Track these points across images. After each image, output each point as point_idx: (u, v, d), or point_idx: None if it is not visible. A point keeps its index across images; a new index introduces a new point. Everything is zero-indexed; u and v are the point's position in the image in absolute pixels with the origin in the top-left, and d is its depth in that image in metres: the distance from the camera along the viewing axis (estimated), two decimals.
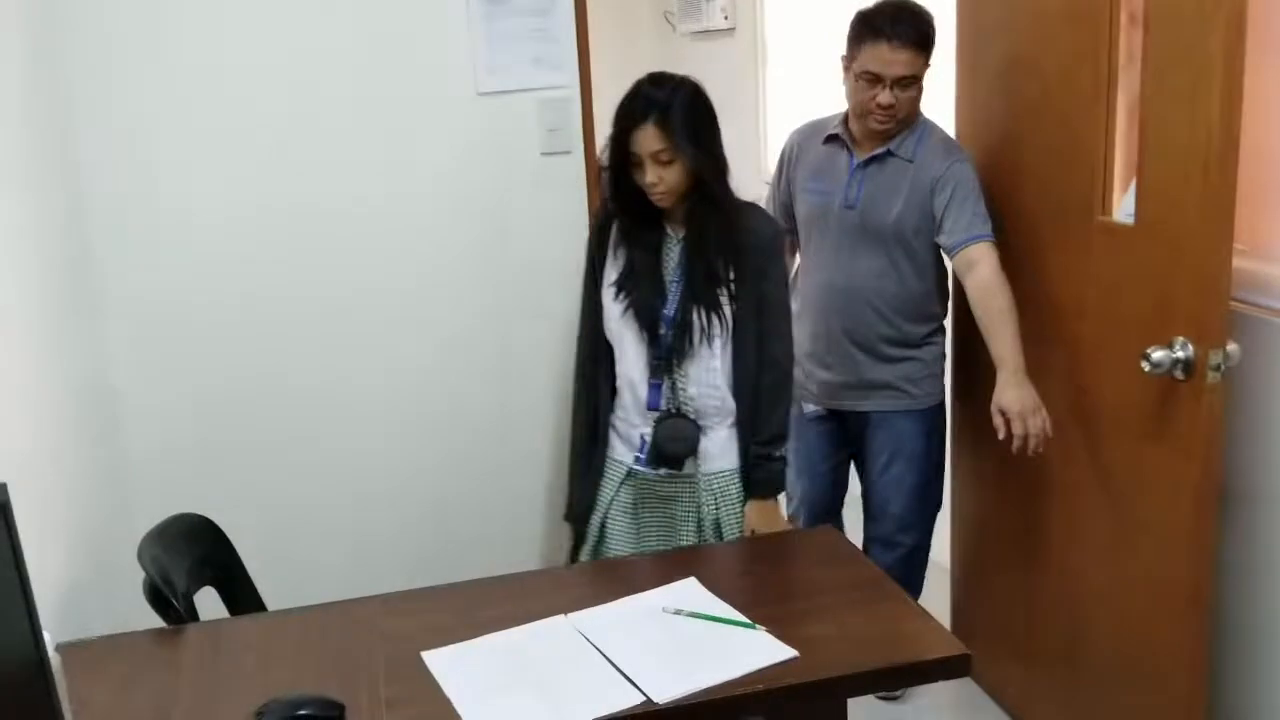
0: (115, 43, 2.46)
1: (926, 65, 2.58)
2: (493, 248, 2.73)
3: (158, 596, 2.01)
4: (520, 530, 2.86)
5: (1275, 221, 2.25)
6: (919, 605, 1.87)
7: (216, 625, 1.89)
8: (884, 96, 2.55)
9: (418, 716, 1.62)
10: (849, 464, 3.00)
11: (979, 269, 2.52)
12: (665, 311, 2.30)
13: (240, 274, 2.61)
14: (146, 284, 2.57)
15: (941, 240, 2.61)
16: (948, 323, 2.85)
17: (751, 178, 5.11)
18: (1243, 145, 2.08)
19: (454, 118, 2.65)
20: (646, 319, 2.30)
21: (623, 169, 2.28)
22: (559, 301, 2.75)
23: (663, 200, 2.28)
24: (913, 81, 2.57)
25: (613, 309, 2.35)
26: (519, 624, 1.85)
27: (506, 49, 2.63)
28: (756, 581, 1.99)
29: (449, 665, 1.74)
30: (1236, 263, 2.10)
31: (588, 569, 2.15)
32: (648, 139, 2.22)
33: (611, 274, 2.37)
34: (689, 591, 1.94)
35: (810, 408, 2.89)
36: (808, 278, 2.81)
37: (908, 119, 2.63)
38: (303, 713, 1.60)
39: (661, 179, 2.24)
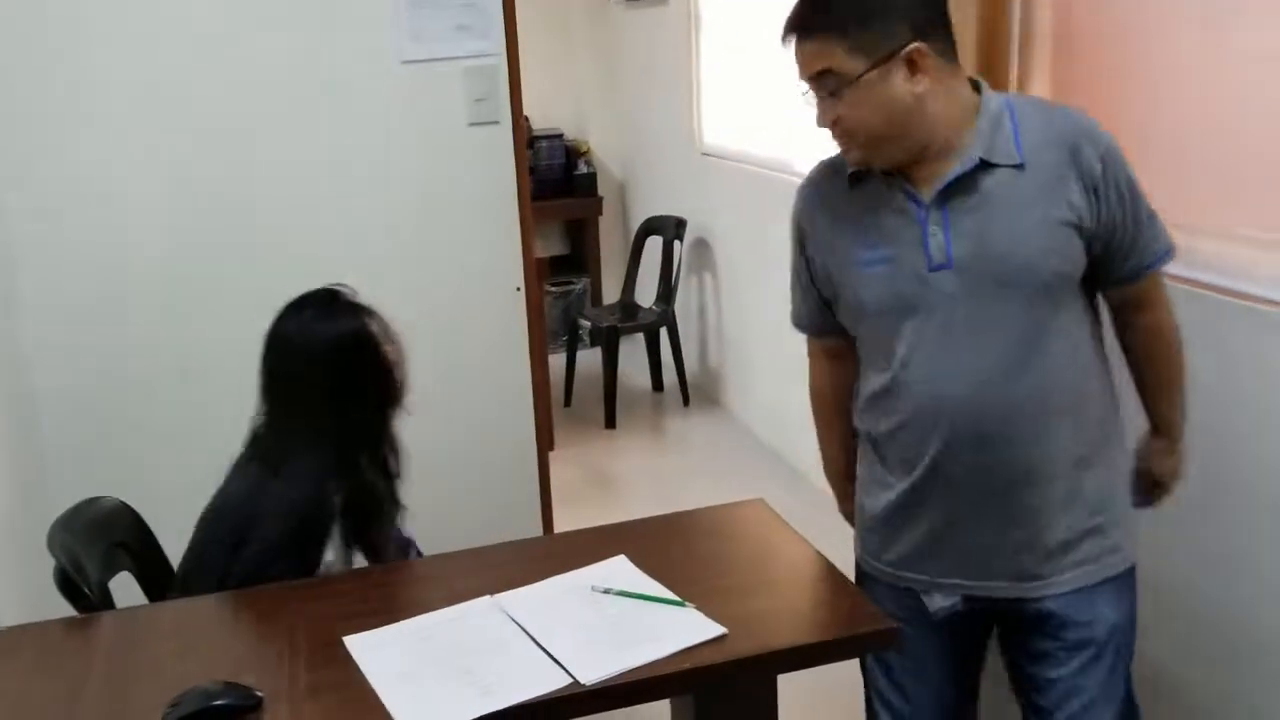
0: (32, 10, 2.37)
1: (866, 46, 1.58)
2: (419, 220, 2.68)
3: (68, 584, 1.94)
4: (444, 511, 2.81)
5: (1197, 192, 2.28)
6: (850, 581, 1.87)
7: (130, 613, 1.83)
8: (819, 112, 1.66)
9: (339, 703, 1.58)
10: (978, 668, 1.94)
11: (1159, 305, 1.78)
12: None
13: (158, 249, 2.53)
14: (61, 261, 2.49)
15: (1118, 269, 1.72)
16: None
17: (684, 151, 5.11)
18: (1141, 121, 2.12)
19: (377, 87, 2.59)
20: None
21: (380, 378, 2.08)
22: (486, 274, 2.71)
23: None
24: (841, 81, 1.60)
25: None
26: (443, 606, 1.81)
27: (430, 15, 2.57)
28: (686, 557, 1.96)
29: (371, 650, 1.70)
30: None
31: (515, 548, 2.11)
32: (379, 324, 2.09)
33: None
34: (618, 569, 1.91)
35: (939, 601, 1.79)
36: (900, 398, 1.74)
37: (890, 137, 1.64)
38: (219, 703, 1.55)
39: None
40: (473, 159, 2.67)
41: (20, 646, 1.75)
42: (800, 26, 1.63)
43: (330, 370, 1.99)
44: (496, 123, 2.66)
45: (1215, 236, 2.21)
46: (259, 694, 1.57)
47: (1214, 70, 2.18)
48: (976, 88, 1.72)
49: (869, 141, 1.66)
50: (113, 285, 2.53)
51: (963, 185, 1.65)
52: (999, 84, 2.34)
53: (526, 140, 2.76)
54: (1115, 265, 1.72)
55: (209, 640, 1.77)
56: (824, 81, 1.62)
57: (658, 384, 5.26)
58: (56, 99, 2.42)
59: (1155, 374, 1.80)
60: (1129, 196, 1.68)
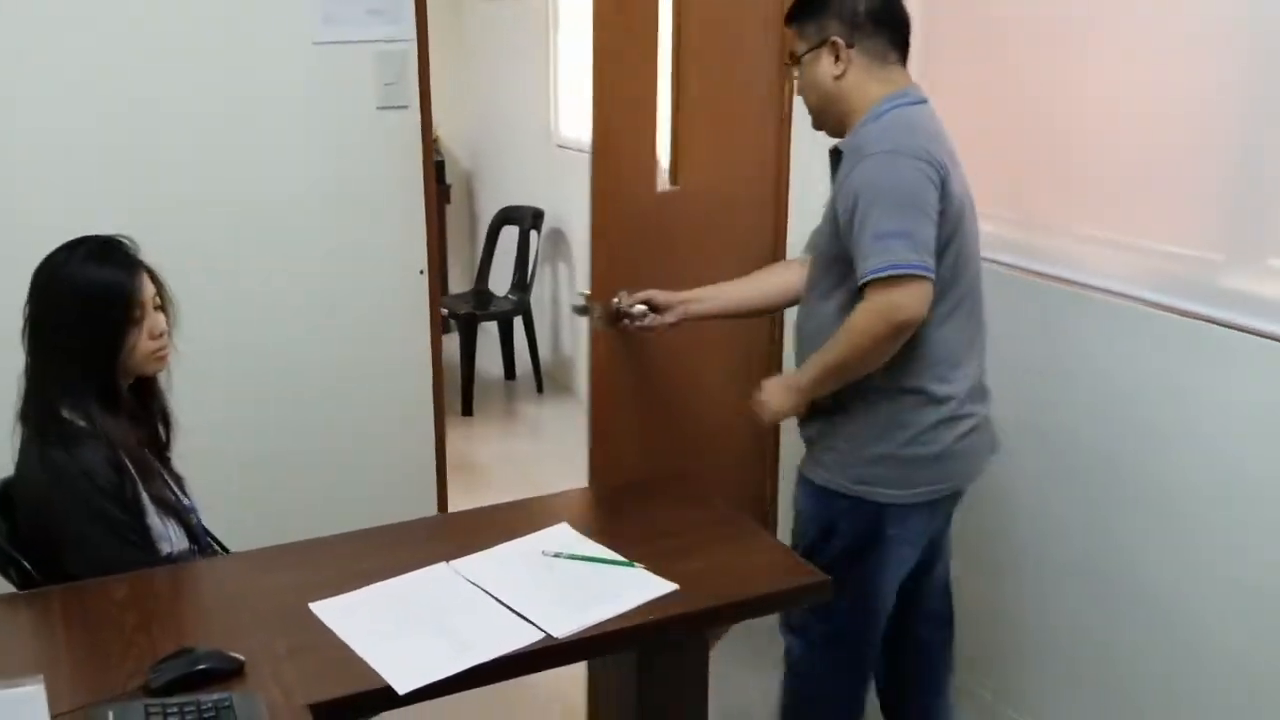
0: None
1: (803, 38, 2.07)
2: (326, 201, 2.69)
3: (3, 555, 1.91)
4: (373, 486, 2.85)
5: (1042, 195, 2.58)
6: (778, 540, 2.03)
7: (79, 587, 1.80)
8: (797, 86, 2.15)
9: (322, 663, 1.63)
10: None
11: (856, 310, 1.95)
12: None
13: (59, 227, 2.44)
14: None
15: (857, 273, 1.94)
16: None
17: (540, 143, 5.20)
18: (1030, 134, 2.43)
19: (288, 66, 2.58)
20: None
21: (118, 334, 1.91)
22: (392, 256, 2.75)
23: (165, 358, 2.00)
24: (795, 59, 2.10)
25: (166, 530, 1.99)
26: (401, 573, 1.87)
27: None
28: (623, 524, 2.08)
29: (340, 614, 1.75)
30: (1010, 232, 2.51)
31: (459, 518, 2.19)
32: (147, 285, 1.95)
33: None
34: (563, 535, 2.02)
35: None
36: None
37: (831, 107, 2.08)
38: (202, 668, 1.57)
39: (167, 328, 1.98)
40: (381, 142, 2.69)
41: None
42: (785, 17, 2.13)
43: (83, 318, 1.88)
44: (405, 107, 2.70)
45: (1059, 234, 2.53)
46: (240, 658, 1.60)
47: (1062, 93, 2.47)
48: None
49: (812, 112, 2.13)
50: (9, 268, 2.40)
51: (835, 163, 2.09)
52: None
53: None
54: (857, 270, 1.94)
55: (170, 611, 1.78)
56: (790, 59, 2.11)
57: (510, 372, 5.34)
58: None
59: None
60: (848, 201, 1.94)
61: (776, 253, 3.03)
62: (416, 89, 2.70)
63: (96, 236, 1.95)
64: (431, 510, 2.95)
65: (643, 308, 2.29)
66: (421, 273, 2.81)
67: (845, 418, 2.08)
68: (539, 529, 2.03)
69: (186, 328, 2.52)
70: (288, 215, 2.66)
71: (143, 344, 1.93)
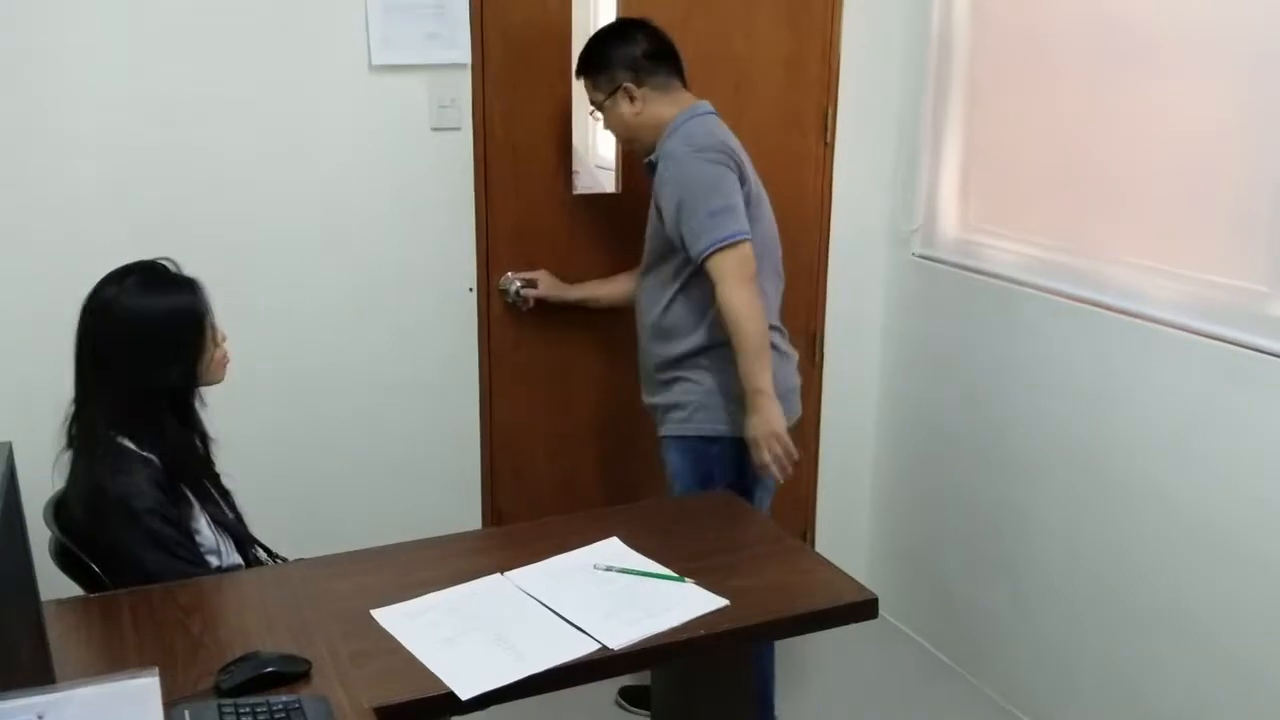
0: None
1: (598, 89, 2.52)
2: (380, 221, 2.75)
3: (68, 558, 1.96)
4: (421, 498, 2.91)
5: (1088, 222, 2.61)
6: (824, 557, 2.07)
7: (146, 591, 1.86)
8: (602, 124, 2.60)
9: (386, 669, 1.67)
10: None
11: (719, 285, 2.36)
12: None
13: (118, 250, 2.50)
14: (17, 265, 2.46)
15: (687, 252, 2.40)
16: None
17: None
18: (1078, 160, 2.45)
19: (347, 88, 2.64)
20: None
21: (198, 354, 2.00)
22: (445, 274, 2.81)
23: (228, 361, 2.09)
24: (597, 106, 2.54)
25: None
26: (458, 583, 1.92)
27: (401, 22, 2.64)
28: (672, 539, 2.11)
29: (403, 621, 1.80)
30: (1057, 258, 2.57)
31: (510, 531, 2.23)
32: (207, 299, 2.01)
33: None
34: (614, 549, 2.05)
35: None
36: None
37: (640, 135, 2.53)
38: (270, 670, 1.62)
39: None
40: (433, 162, 2.75)
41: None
42: (576, 72, 2.60)
43: (161, 343, 1.93)
44: (458, 129, 2.76)
45: (1105, 261, 2.56)
46: (308, 660, 1.65)
47: (1110, 122, 2.50)
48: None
49: (623, 143, 2.66)
50: (73, 290, 2.44)
51: (651, 172, 2.49)
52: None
53: None
54: (689, 251, 2.38)
55: (234, 616, 1.82)
56: (594, 107, 2.55)
57: None
58: (22, 94, 2.39)
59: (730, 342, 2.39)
60: (671, 198, 2.38)
61: None
62: (470, 110, 2.76)
63: (140, 264, 1.98)
64: (478, 523, 3.00)
65: (517, 284, 2.83)
66: (470, 290, 2.87)
67: (690, 377, 2.50)
68: (589, 542, 2.07)
69: (240, 342, 2.59)
70: (341, 232, 2.72)
71: (215, 355, 2.00)
